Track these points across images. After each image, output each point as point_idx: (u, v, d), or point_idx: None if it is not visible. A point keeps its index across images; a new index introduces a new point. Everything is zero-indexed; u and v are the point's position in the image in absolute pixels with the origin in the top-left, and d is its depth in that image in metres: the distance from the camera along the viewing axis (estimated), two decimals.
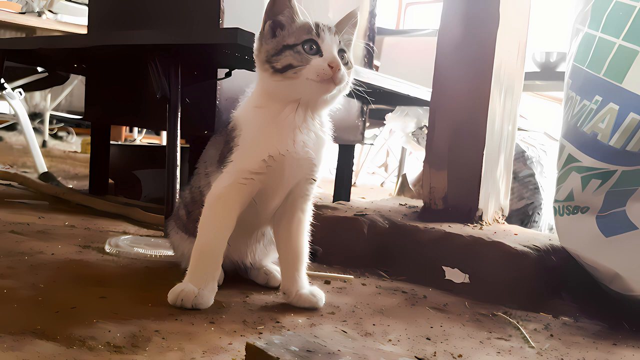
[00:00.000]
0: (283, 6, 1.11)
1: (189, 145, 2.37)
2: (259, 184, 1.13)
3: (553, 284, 1.39)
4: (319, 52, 1.08)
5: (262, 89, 1.15)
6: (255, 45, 1.15)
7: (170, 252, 1.46)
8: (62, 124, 5.50)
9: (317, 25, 1.10)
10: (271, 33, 1.12)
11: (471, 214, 1.61)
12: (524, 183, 2.04)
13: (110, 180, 2.55)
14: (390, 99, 2.60)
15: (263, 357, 0.73)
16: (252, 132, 1.12)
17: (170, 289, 1.11)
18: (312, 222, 1.23)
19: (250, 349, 0.75)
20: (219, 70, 1.90)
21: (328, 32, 1.10)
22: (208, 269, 1.12)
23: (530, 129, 2.54)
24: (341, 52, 1.11)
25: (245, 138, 1.12)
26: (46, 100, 4.91)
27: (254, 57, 1.16)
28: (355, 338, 0.79)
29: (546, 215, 2.06)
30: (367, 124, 2.71)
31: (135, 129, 5.39)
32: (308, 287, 1.20)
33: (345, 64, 1.11)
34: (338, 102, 1.17)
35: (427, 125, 1.79)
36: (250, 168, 1.11)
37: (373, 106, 2.82)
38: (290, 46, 1.08)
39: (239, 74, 1.90)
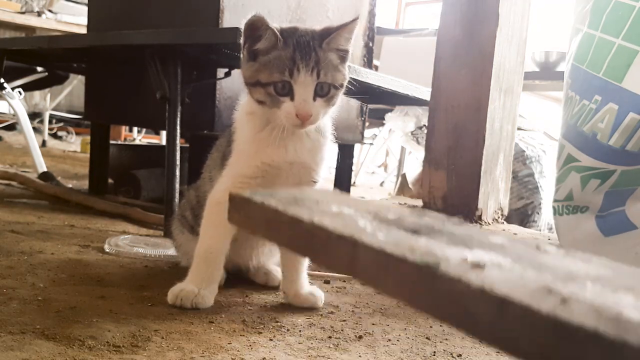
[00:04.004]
0: (261, 29, 1.03)
1: (188, 145, 2.37)
2: (257, 188, 1.13)
3: None
4: (291, 93, 1.02)
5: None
6: (241, 54, 1.11)
7: (170, 252, 1.46)
8: (61, 124, 5.50)
9: (293, 61, 1.01)
10: (250, 55, 1.07)
11: (471, 214, 1.61)
12: (523, 183, 2.04)
13: (110, 180, 2.54)
14: (389, 99, 2.60)
15: (248, 205, 0.70)
16: (245, 138, 1.12)
17: (170, 289, 1.11)
18: None
19: (234, 199, 0.73)
20: (218, 69, 1.90)
21: (304, 69, 1.01)
22: (209, 270, 1.12)
23: (529, 128, 2.54)
24: (320, 85, 1.03)
25: (240, 144, 1.12)
26: (46, 100, 4.91)
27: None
28: (346, 195, 0.79)
29: (545, 215, 2.06)
30: (367, 124, 2.71)
31: (135, 129, 5.39)
32: (307, 287, 1.20)
33: (325, 95, 1.05)
34: (331, 113, 1.13)
35: (426, 124, 1.79)
36: (245, 173, 1.11)
37: (373, 106, 2.82)
38: (263, 84, 1.04)
39: (239, 74, 1.90)
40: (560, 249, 0.51)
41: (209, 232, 1.13)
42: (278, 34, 1.03)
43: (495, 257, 0.47)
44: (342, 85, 1.08)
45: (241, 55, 1.10)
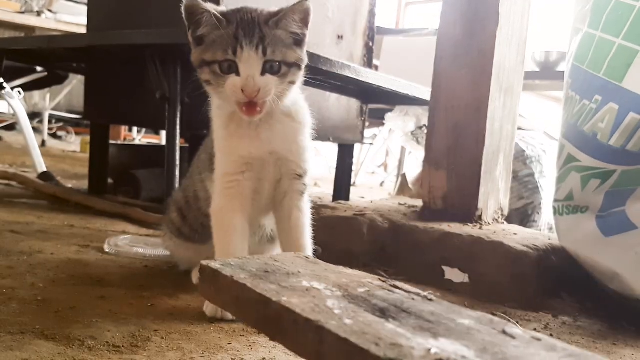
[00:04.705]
0: (197, 13, 0.99)
1: (188, 145, 2.37)
2: (250, 182, 1.09)
3: (553, 284, 1.39)
4: (236, 70, 0.98)
5: None
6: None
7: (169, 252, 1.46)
8: (61, 124, 5.50)
9: (236, 39, 0.97)
10: (195, 42, 1.03)
11: (471, 214, 1.61)
12: (523, 183, 2.04)
13: (110, 180, 2.54)
14: (389, 99, 2.60)
15: (217, 278, 0.69)
16: (219, 134, 1.09)
17: (207, 301, 1.06)
18: (311, 222, 1.22)
19: (205, 270, 0.71)
20: None
21: (249, 46, 0.96)
22: None
23: (530, 128, 2.54)
24: (270, 64, 0.98)
25: (217, 141, 1.10)
26: (45, 100, 4.91)
27: None
28: (317, 263, 0.76)
29: (546, 215, 2.06)
30: (367, 124, 2.71)
31: (135, 129, 5.39)
32: None
33: (276, 72, 0.99)
34: (295, 92, 1.08)
35: (426, 124, 1.79)
36: (230, 171, 1.08)
37: (373, 106, 2.82)
38: (208, 63, 1.00)
39: None
40: (526, 332, 0.50)
41: (223, 240, 1.10)
42: (217, 14, 0.99)
43: (460, 348, 0.47)
44: (297, 65, 1.03)
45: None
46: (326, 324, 0.51)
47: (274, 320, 0.58)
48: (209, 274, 0.69)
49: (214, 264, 0.70)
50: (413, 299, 0.60)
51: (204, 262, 0.71)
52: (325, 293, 0.62)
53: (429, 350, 0.46)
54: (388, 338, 0.49)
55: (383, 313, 0.56)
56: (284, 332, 0.56)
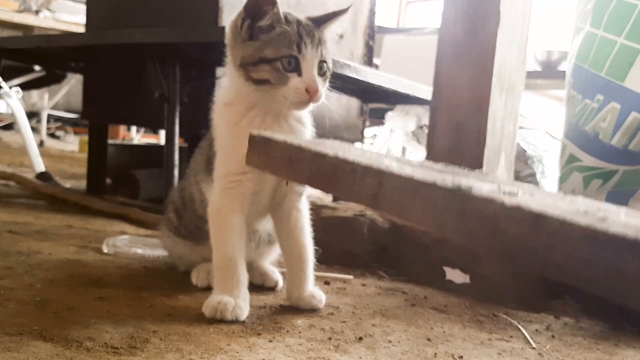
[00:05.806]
0: (269, 3, 0.99)
1: (187, 145, 2.36)
2: (251, 183, 1.08)
3: (554, 285, 1.39)
4: (298, 69, 1.00)
5: (233, 86, 1.09)
6: (227, 37, 1.06)
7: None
8: (59, 123, 5.49)
9: (300, 36, 1.00)
10: (248, 34, 1.02)
11: None
12: (525, 182, 2.03)
13: (108, 180, 2.53)
14: (390, 98, 2.59)
15: (269, 143, 0.70)
16: (225, 133, 1.09)
17: (205, 302, 1.05)
18: (311, 222, 1.21)
19: (255, 139, 0.73)
20: (217, 68, 1.89)
21: (310, 45, 1.01)
22: (235, 278, 1.06)
23: (531, 128, 2.53)
24: (321, 64, 1.03)
25: (221, 140, 1.09)
26: (43, 99, 4.90)
27: (226, 49, 1.07)
28: (364, 149, 0.82)
29: None
30: (367, 123, 2.70)
31: (134, 128, 5.38)
32: (311, 289, 1.18)
33: (323, 74, 1.04)
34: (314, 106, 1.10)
35: (427, 124, 1.78)
36: (233, 170, 1.07)
37: (373, 105, 2.81)
38: (268, 60, 1.00)
39: None
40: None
41: (220, 240, 1.09)
42: (280, 9, 1.01)
43: (527, 189, 0.48)
44: (328, 71, 1.07)
45: (234, 36, 1.04)
46: (386, 169, 0.54)
47: (328, 173, 0.60)
48: (260, 141, 0.72)
49: (265, 133, 0.73)
50: (469, 172, 0.65)
51: (254, 132, 0.73)
52: (381, 157, 0.64)
53: (497, 187, 0.48)
54: (452, 179, 0.50)
55: (442, 172, 0.58)
56: (339, 181, 0.58)
